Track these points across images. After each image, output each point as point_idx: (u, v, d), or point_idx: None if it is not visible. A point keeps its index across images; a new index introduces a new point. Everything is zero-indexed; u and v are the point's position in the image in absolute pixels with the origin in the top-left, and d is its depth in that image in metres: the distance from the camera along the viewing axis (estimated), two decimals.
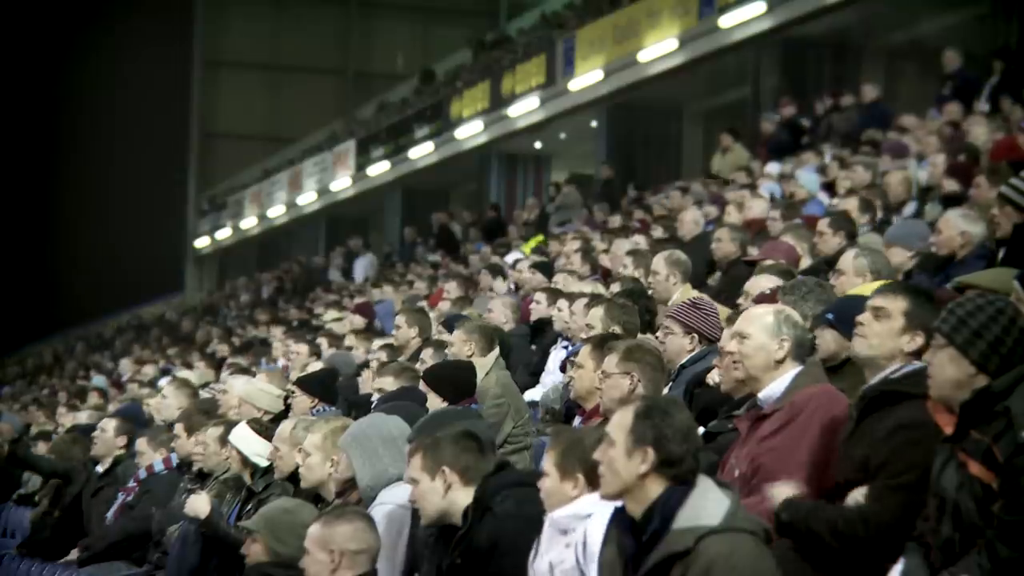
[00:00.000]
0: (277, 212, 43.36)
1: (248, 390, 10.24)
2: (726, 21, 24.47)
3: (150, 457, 10.27)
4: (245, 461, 8.64)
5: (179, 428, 9.92)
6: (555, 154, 34.37)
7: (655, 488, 4.58)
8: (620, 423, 4.67)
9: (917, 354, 5.53)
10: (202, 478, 9.32)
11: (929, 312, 5.50)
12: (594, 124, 30.73)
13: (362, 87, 46.86)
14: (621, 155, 29.10)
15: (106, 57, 47.29)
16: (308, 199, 41.22)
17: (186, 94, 48.68)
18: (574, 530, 5.28)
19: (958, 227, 9.17)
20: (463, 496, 5.82)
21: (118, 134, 47.42)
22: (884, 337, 5.55)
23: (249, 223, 45.26)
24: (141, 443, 10.40)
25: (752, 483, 5.59)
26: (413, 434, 6.51)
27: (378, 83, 44.80)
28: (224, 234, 47.09)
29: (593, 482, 5.23)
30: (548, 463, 5.49)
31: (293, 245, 42.67)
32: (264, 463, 8.44)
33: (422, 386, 8.28)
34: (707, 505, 4.53)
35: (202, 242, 48.75)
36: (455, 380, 8.19)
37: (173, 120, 47.92)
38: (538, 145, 33.77)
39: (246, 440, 8.63)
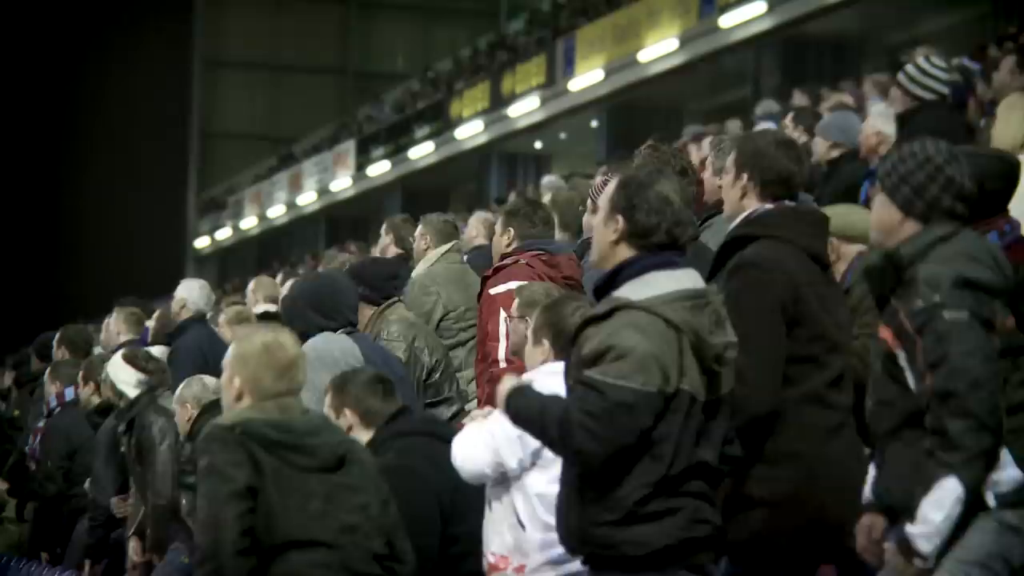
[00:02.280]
0: (277, 212, 43.39)
1: None
2: (726, 21, 24.48)
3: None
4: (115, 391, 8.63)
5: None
6: (555, 154, 34.38)
7: (624, 256, 4.53)
8: (606, 192, 4.64)
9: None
10: (102, 415, 9.20)
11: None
12: (594, 124, 30.74)
13: (362, 87, 46.88)
14: (621, 155, 29.10)
15: (106, 57, 47.29)
16: (308, 199, 41.24)
17: (186, 94, 48.70)
18: None
19: (875, 126, 8.92)
20: (363, 437, 5.97)
21: (118, 134, 47.41)
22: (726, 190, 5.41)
23: (249, 223, 45.28)
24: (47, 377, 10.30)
25: None
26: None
27: (378, 83, 44.83)
28: (224, 234, 47.12)
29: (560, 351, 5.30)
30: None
31: (293, 245, 42.69)
32: (133, 393, 8.46)
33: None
34: (659, 283, 4.45)
35: (202, 242, 48.78)
36: (373, 276, 8.12)
37: (173, 120, 47.93)
38: (538, 145, 33.78)
39: (116, 367, 8.62)
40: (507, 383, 4.67)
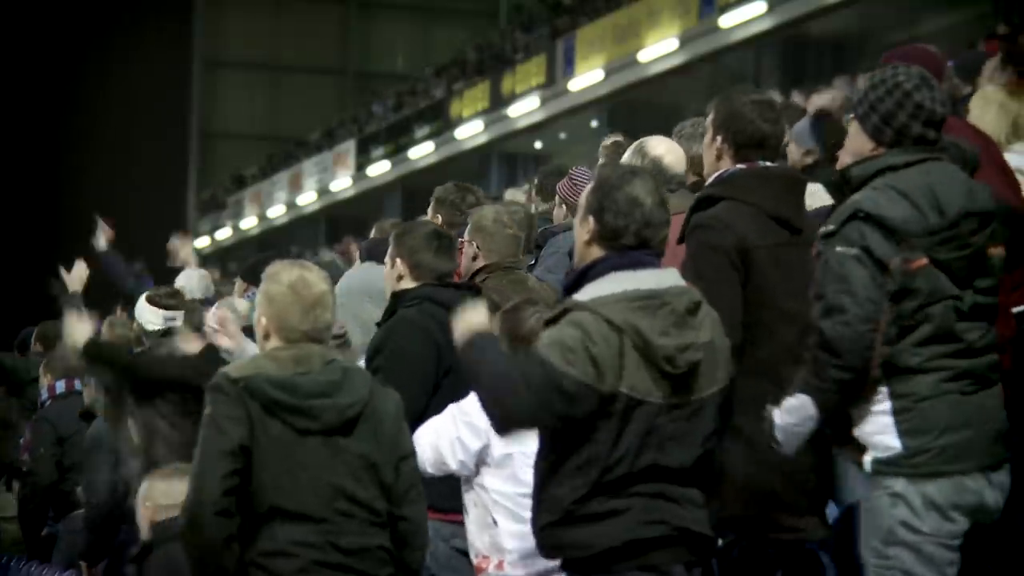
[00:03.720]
0: (277, 212, 43.41)
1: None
2: (726, 21, 24.50)
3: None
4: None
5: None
6: (555, 154, 34.34)
7: (595, 256, 4.54)
8: (583, 193, 4.66)
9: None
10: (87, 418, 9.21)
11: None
12: (594, 124, 30.75)
13: (362, 87, 46.90)
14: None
15: (105, 57, 47.30)
16: (308, 199, 41.26)
17: (186, 94, 48.70)
18: None
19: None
20: (410, 287, 6.12)
21: (118, 134, 47.43)
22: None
23: (249, 223, 45.30)
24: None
25: None
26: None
27: (378, 83, 44.84)
28: (224, 234, 47.13)
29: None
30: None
31: (293, 245, 42.70)
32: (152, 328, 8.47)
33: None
34: (616, 283, 4.44)
35: (202, 242, 48.78)
36: (381, 254, 8.07)
37: (173, 120, 47.93)
38: (538, 145, 33.79)
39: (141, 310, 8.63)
40: (472, 317, 4.56)
